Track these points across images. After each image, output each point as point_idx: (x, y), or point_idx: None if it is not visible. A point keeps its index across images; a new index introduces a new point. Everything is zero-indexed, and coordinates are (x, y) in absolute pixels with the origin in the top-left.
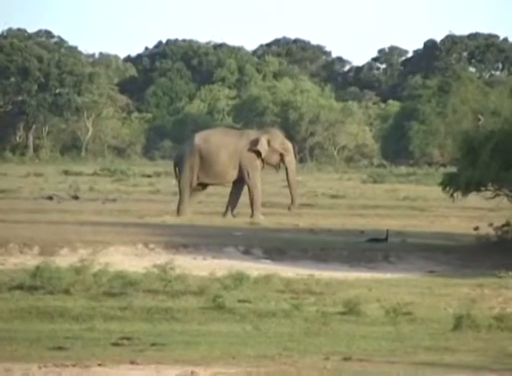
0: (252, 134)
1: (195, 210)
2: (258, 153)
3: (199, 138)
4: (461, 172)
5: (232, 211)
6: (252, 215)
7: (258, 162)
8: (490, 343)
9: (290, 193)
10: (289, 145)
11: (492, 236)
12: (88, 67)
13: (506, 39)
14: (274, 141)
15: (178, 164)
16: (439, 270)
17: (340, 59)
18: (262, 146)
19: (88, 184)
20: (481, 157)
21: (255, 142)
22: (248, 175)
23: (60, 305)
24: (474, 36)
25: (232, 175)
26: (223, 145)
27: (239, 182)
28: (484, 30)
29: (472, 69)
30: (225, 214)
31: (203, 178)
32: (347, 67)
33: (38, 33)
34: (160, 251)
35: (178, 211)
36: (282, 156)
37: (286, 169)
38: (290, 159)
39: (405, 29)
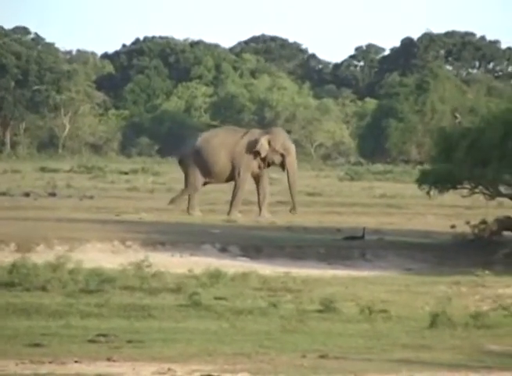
0: (256, 134)
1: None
2: (258, 154)
3: (202, 137)
4: (437, 169)
5: (265, 207)
6: (229, 212)
7: (255, 163)
8: (466, 341)
9: (290, 194)
10: (290, 146)
11: (468, 234)
12: (66, 64)
13: (482, 37)
14: (275, 141)
15: (182, 163)
16: (416, 268)
17: (317, 57)
18: (262, 147)
19: (65, 181)
20: (457, 155)
21: (255, 142)
22: (239, 173)
23: (37, 301)
24: (450, 34)
25: (229, 173)
26: (223, 145)
27: (258, 178)
28: (461, 28)
29: (449, 67)
30: (260, 213)
31: (206, 177)
32: (323, 65)
33: (15, 30)
34: (137, 248)
35: (189, 209)
36: (283, 156)
37: (287, 170)
38: (291, 160)
39: (383, 27)
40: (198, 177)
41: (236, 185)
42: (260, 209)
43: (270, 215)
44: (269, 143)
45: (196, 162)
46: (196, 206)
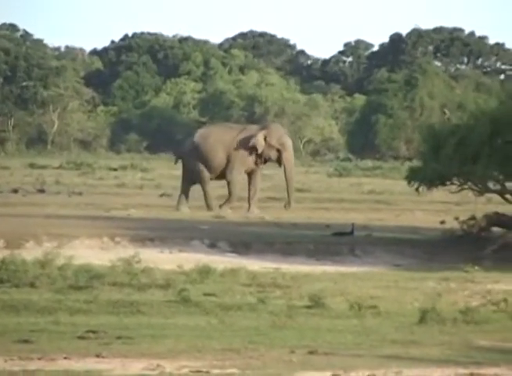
0: (253, 130)
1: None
2: (255, 150)
3: (199, 134)
4: (426, 166)
5: (254, 203)
6: (220, 206)
7: (251, 159)
8: (455, 336)
9: (287, 190)
10: (287, 141)
11: (457, 230)
12: (54, 61)
13: (471, 33)
14: (270, 137)
15: (182, 158)
16: (405, 264)
17: (305, 53)
18: (258, 143)
19: (53, 177)
20: (446, 151)
21: (250, 138)
22: (232, 169)
23: (26, 298)
24: (439, 30)
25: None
26: (220, 141)
27: (251, 174)
28: (450, 24)
29: (437, 63)
30: (249, 208)
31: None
32: (312, 61)
33: (2, 26)
34: (126, 245)
35: (208, 207)
36: (279, 152)
37: (284, 166)
38: (288, 155)
39: (371, 22)
40: (204, 172)
41: (229, 181)
42: (249, 205)
43: (259, 210)
44: (265, 139)
45: (195, 158)
46: (185, 202)
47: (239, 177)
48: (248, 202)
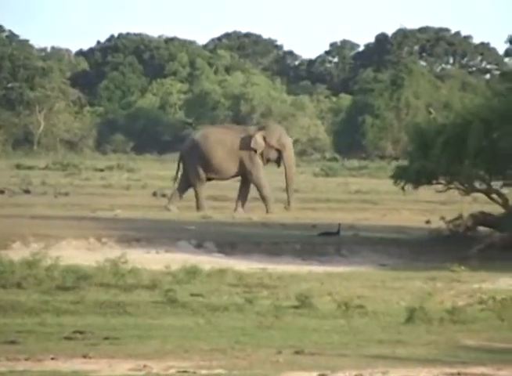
0: (253, 131)
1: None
2: (254, 150)
3: (199, 133)
4: (413, 166)
5: (242, 205)
6: (267, 212)
7: (258, 158)
8: (442, 336)
9: (287, 190)
10: (287, 141)
11: (443, 230)
12: (40, 61)
13: (456, 33)
14: (270, 137)
15: (182, 159)
16: (391, 263)
17: (291, 53)
18: (257, 143)
19: (40, 178)
20: (433, 151)
21: (249, 139)
22: (250, 171)
23: (13, 299)
24: (424, 30)
25: (232, 170)
26: (220, 141)
27: (243, 177)
28: (435, 23)
29: (423, 62)
30: (235, 209)
31: (206, 173)
32: (298, 61)
33: None
34: (113, 245)
35: (198, 207)
36: (279, 152)
37: (284, 165)
38: (288, 155)
39: (357, 23)
40: (200, 173)
41: (255, 185)
42: (236, 205)
43: (243, 211)
44: (264, 139)
45: (194, 157)
46: (175, 202)
47: (260, 176)
48: (236, 202)
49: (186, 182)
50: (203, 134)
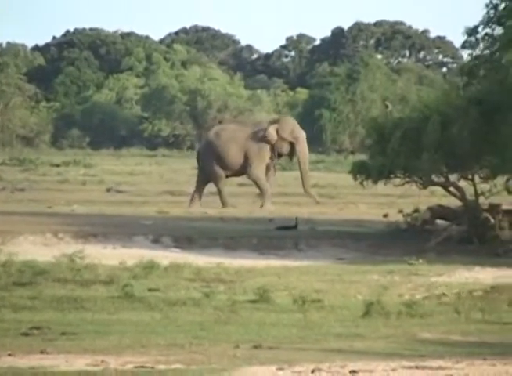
0: (264, 124)
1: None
2: (266, 143)
3: (213, 131)
4: (372, 160)
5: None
6: (261, 207)
7: (266, 153)
8: (400, 329)
9: (303, 184)
10: (300, 134)
11: (401, 223)
12: None
13: (412, 26)
14: (283, 130)
15: (198, 158)
16: (349, 257)
17: (248, 48)
18: (270, 136)
19: None
20: (391, 145)
21: (262, 132)
22: (251, 166)
23: None
24: (380, 23)
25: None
26: (233, 138)
27: (265, 169)
28: (391, 17)
29: (379, 56)
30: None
31: (223, 170)
32: (255, 55)
33: None
34: (70, 241)
35: (222, 204)
36: (292, 145)
37: (298, 159)
38: (301, 148)
39: (313, 17)
40: (217, 170)
41: (251, 178)
42: (264, 199)
43: (273, 207)
44: (277, 132)
45: (209, 155)
46: (197, 201)
47: (259, 171)
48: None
49: (202, 181)
50: (216, 132)
